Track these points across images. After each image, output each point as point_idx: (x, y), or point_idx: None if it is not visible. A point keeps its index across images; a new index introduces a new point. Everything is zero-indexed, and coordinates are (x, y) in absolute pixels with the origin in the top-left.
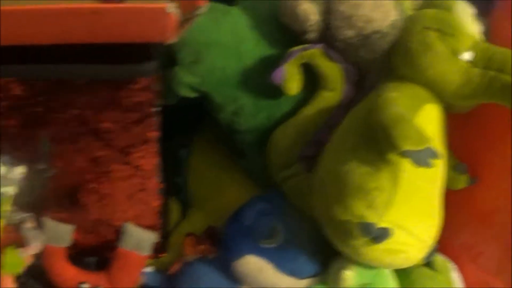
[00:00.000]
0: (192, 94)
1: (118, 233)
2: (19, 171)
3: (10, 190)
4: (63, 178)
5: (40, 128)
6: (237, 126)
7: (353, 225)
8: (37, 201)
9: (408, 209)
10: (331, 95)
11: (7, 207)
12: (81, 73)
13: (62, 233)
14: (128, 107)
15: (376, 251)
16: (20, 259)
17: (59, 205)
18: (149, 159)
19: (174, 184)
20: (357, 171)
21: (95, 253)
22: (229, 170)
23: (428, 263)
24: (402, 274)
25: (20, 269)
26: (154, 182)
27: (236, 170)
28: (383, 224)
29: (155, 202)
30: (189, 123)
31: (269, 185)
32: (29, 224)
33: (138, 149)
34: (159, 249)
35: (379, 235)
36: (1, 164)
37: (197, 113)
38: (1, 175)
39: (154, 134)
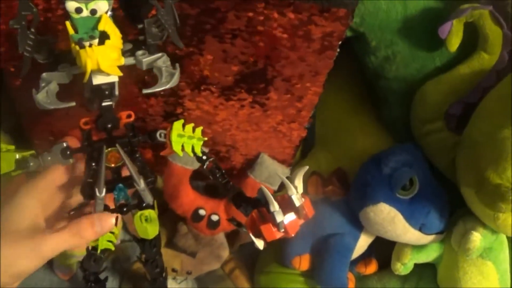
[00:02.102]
0: (347, 33)
1: (248, 162)
2: None
3: None
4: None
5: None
6: (386, 73)
7: (506, 190)
8: None
9: None
10: (488, 57)
11: None
12: None
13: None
14: (314, 35)
15: None
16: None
17: None
18: (313, 91)
19: None
20: None
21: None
22: (360, 115)
23: None
24: None
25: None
26: (307, 116)
27: (367, 116)
28: None
29: (299, 136)
30: None
31: (404, 135)
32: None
33: (306, 80)
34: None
35: None
36: None
37: None
38: None
39: (328, 67)
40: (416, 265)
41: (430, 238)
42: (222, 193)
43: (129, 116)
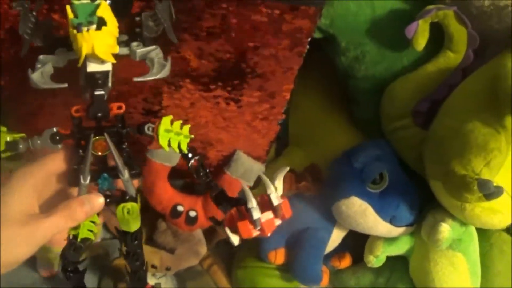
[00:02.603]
0: (318, 35)
1: (224, 158)
2: None
3: None
4: None
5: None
6: (355, 72)
7: (471, 180)
8: None
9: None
10: (453, 56)
11: None
12: None
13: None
14: (284, 32)
15: (481, 208)
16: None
17: None
18: (285, 87)
19: None
20: (481, 131)
21: (185, 176)
22: (333, 113)
23: (508, 229)
24: (483, 235)
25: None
26: (280, 112)
27: (340, 114)
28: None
29: (273, 132)
30: None
31: (374, 133)
32: None
33: (278, 76)
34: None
35: (494, 192)
36: None
37: None
38: None
39: (299, 63)
40: (388, 259)
41: (400, 230)
42: (200, 191)
43: (119, 107)
